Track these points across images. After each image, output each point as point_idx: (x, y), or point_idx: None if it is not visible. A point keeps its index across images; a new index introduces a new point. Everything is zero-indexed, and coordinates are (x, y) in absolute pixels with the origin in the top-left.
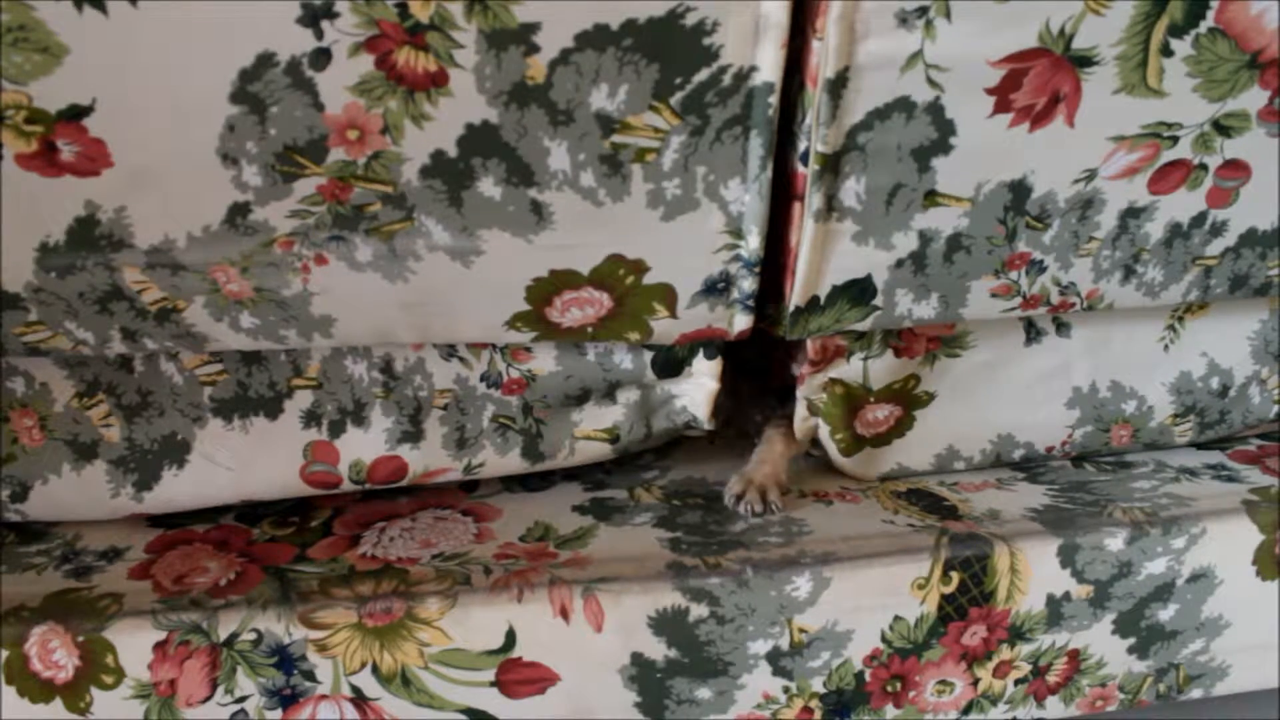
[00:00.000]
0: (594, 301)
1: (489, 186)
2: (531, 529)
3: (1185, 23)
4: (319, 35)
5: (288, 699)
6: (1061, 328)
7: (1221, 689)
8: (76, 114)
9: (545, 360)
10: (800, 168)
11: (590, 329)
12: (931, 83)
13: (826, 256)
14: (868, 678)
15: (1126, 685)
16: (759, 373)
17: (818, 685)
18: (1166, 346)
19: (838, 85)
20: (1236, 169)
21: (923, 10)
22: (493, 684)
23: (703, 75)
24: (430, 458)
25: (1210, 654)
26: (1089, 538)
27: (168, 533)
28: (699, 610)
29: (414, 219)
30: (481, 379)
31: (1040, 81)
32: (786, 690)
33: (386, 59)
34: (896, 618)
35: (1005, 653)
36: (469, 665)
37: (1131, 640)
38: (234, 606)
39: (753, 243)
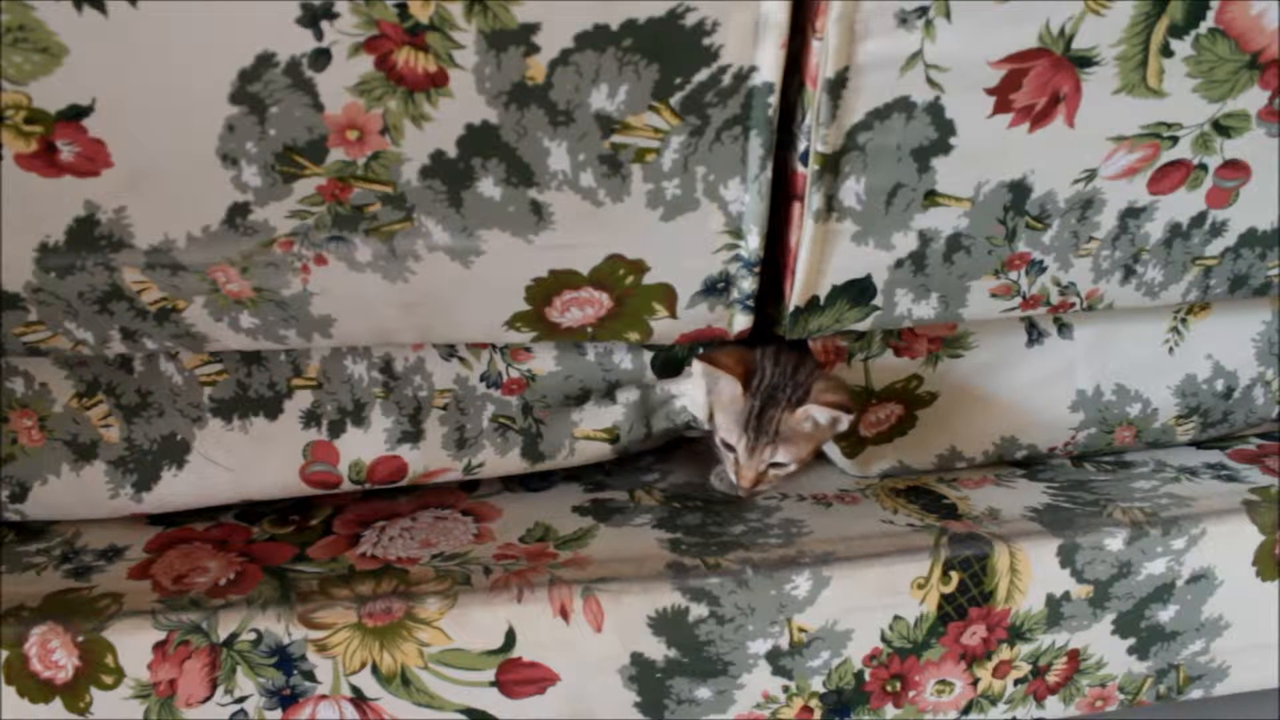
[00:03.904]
0: (594, 301)
1: (489, 187)
2: (532, 529)
3: (1185, 23)
4: (319, 35)
5: (287, 699)
6: (1063, 329)
7: (1221, 689)
8: (76, 114)
9: (545, 360)
10: (800, 168)
11: (590, 329)
12: (931, 83)
13: (826, 256)
14: (867, 677)
15: (1126, 686)
16: None
17: (817, 685)
18: (1171, 349)
19: (837, 85)
20: (1236, 169)
21: (923, 10)
22: (493, 684)
23: (703, 75)
24: (430, 458)
25: (1210, 654)
26: (1089, 538)
27: (167, 531)
28: (699, 610)
29: (414, 219)
30: (481, 379)
31: (1040, 81)
32: (786, 690)
33: (386, 59)
34: (896, 617)
35: (1005, 653)
36: (469, 665)
37: (1131, 641)
38: (234, 606)
39: (752, 243)
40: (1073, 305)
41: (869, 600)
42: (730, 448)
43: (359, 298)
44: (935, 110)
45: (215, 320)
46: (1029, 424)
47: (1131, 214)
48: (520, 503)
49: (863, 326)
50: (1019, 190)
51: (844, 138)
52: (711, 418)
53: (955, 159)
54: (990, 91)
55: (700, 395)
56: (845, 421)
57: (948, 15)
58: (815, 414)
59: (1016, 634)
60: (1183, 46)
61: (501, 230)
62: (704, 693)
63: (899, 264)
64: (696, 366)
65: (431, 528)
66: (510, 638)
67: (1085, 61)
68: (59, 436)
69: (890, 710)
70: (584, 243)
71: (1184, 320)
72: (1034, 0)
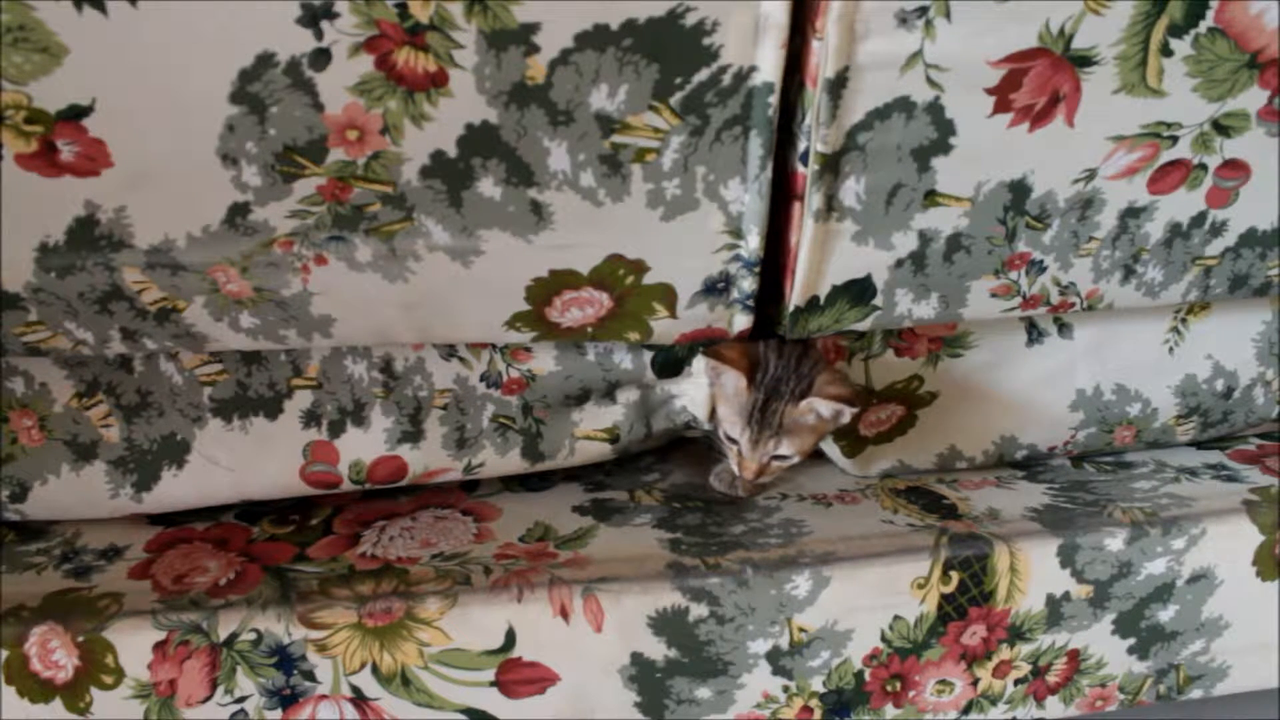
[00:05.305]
0: (594, 301)
1: (489, 186)
2: (531, 529)
3: (1185, 23)
4: (319, 35)
5: (288, 699)
6: (1063, 329)
7: (1221, 689)
8: (76, 114)
9: (545, 360)
10: (800, 168)
11: (590, 329)
12: (931, 83)
13: (826, 256)
14: (867, 677)
15: (1126, 685)
16: None
17: (817, 685)
18: (1171, 349)
19: (838, 85)
20: (1236, 169)
21: (923, 10)
22: (493, 684)
23: (703, 75)
24: (430, 458)
25: (1210, 654)
26: (1089, 538)
27: (167, 531)
28: (699, 610)
29: (414, 219)
30: (481, 379)
31: (1040, 81)
32: (786, 690)
33: (386, 59)
34: (896, 617)
35: (1005, 653)
36: (469, 665)
37: (1131, 640)
38: (234, 606)
39: (752, 243)
40: (1073, 305)
41: (869, 600)
42: (733, 440)
43: (359, 298)
44: (935, 110)
45: (215, 320)
46: (1029, 423)
47: (1131, 214)
48: (520, 502)
49: (863, 326)
50: (1019, 190)
51: (844, 138)
52: (712, 416)
53: (955, 159)
54: (990, 91)
55: (701, 394)
56: (848, 414)
57: (948, 15)
58: (819, 406)
59: (1016, 634)
60: (1182, 46)
61: (501, 230)
62: (704, 693)
63: (899, 264)
64: (700, 362)
65: (431, 527)
66: (510, 638)
67: (1085, 61)
68: (59, 436)
69: (890, 710)
70: (584, 243)
71: (1184, 320)
72: (1034, 0)
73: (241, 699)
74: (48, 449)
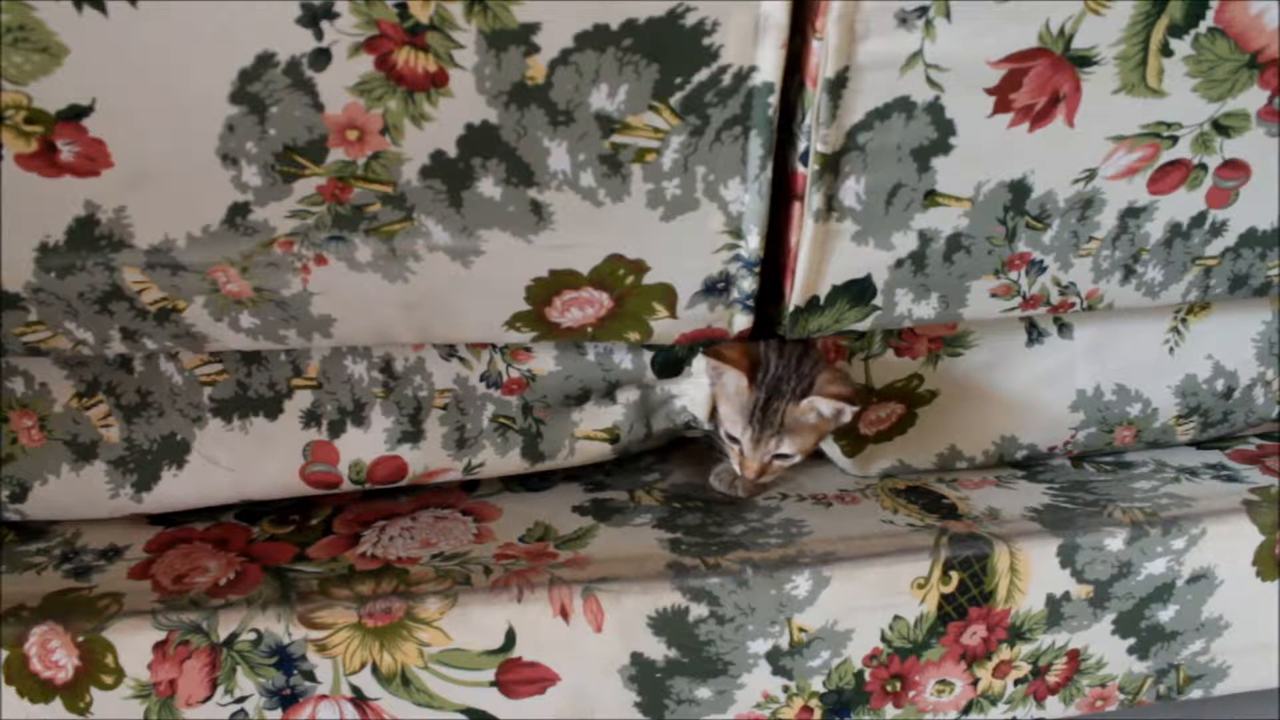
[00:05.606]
0: (594, 301)
1: (489, 186)
2: (531, 529)
3: (1185, 22)
4: (319, 35)
5: (288, 699)
6: (1064, 329)
7: (1221, 689)
8: (76, 114)
9: (545, 360)
10: (800, 168)
11: (590, 329)
12: (931, 83)
13: (826, 256)
14: (867, 677)
15: (1126, 685)
16: None
17: (817, 685)
18: (1172, 349)
19: (838, 85)
20: (1236, 169)
21: (923, 10)
22: (493, 684)
23: (703, 75)
24: (430, 458)
25: (1210, 654)
26: (1089, 538)
27: (167, 531)
28: (699, 610)
29: (414, 219)
30: (481, 379)
31: (1040, 81)
32: (786, 689)
33: (386, 59)
34: (896, 617)
35: (1005, 653)
36: (469, 665)
37: (1131, 640)
38: (234, 606)
39: (752, 243)
40: (1073, 305)
41: (869, 600)
42: (735, 440)
43: (359, 298)
44: (935, 110)
45: (215, 320)
46: (1029, 423)
47: (1131, 214)
48: (520, 502)
49: (863, 326)
50: (1019, 190)
51: (844, 138)
52: (712, 416)
53: (955, 159)
54: (990, 91)
55: (701, 394)
56: (849, 413)
57: (948, 15)
58: (820, 405)
59: (1016, 634)
60: (1182, 46)
61: (501, 230)
62: (704, 693)
63: (899, 264)
64: (700, 361)
65: (431, 527)
66: (510, 638)
67: (1085, 61)
68: (59, 436)
69: (890, 710)
70: (584, 243)
71: (1184, 320)
72: (1034, 0)
73: (241, 699)
74: (48, 449)
